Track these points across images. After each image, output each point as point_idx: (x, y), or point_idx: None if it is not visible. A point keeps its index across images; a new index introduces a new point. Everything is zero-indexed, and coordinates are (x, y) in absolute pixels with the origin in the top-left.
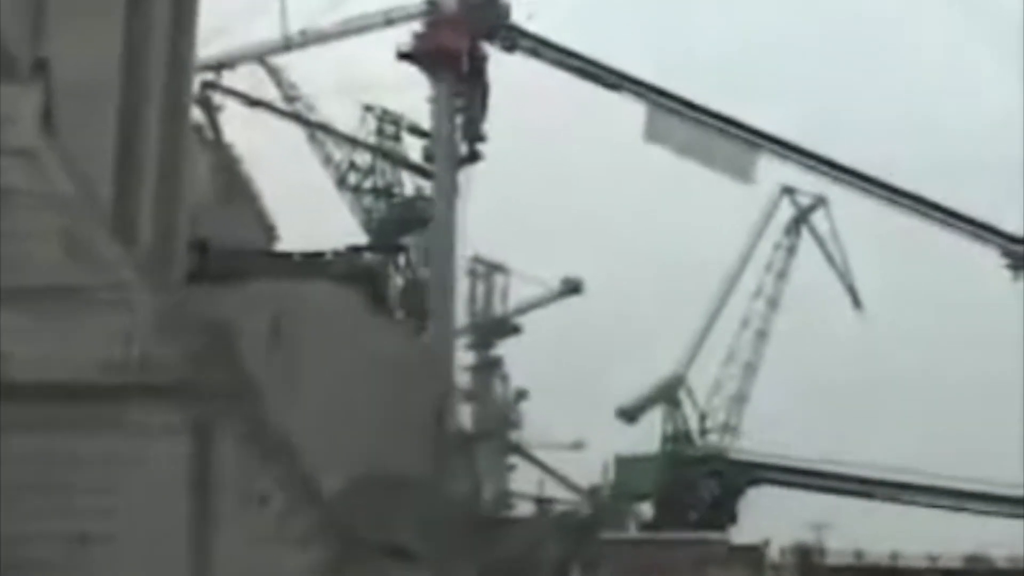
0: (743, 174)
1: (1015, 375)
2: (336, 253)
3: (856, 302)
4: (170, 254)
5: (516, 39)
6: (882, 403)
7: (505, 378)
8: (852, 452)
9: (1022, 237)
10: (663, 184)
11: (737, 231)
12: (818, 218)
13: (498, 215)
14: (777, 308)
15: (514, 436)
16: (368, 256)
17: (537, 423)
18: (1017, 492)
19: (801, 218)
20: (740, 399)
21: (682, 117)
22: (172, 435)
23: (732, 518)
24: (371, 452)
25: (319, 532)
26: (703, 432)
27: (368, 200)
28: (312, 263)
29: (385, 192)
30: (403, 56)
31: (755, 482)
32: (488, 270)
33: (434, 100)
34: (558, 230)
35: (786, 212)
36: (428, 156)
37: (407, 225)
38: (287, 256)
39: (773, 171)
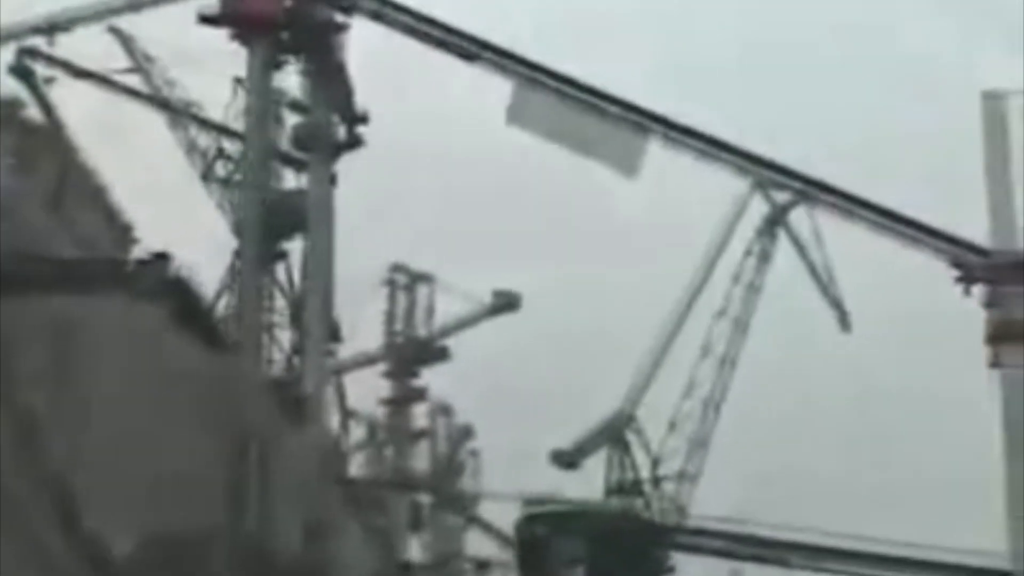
0: (629, 166)
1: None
2: (140, 261)
3: (843, 321)
4: None
5: None
6: (870, 445)
7: (447, 412)
8: (829, 510)
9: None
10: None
11: (699, 233)
12: (798, 218)
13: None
14: (746, 331)
15: (460, 486)
16: (180, 265)
17: (494, 469)
18: (969, 561)
19: (777, 218)
20: (700, 442)
21: (555, 95)
22: None
23: None
24: (174, 504)
25: None
26: (656, 481)
27: (239, 195)
28: (109, 273)
29: (259, 186)
30: (205, 20)
31: (658, 545)
32: (411, 281)
33: (248, 74)
34: (476, 235)
35: (758, 211)
36: (299, 141)
37: (285, 226)
38: (78, 264)
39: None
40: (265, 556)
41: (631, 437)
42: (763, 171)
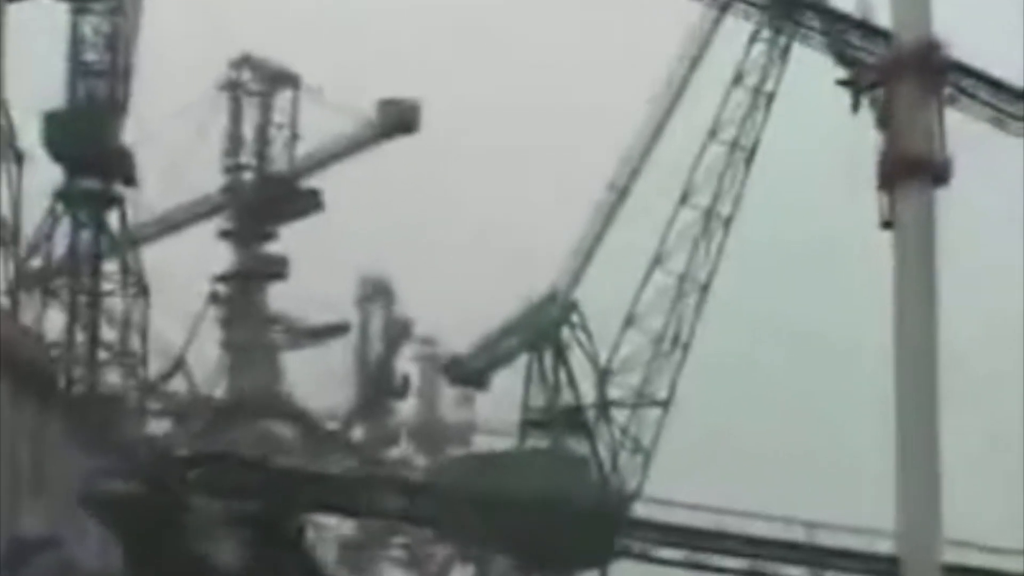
0: None
1: None
2: None
3: None
4: None
5: None
6: None
7: (386, 294)
8: None
9: None
10: None
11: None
12: None
13: None
14: (749, 163)
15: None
16: None
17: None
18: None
19: None
20: (675, 342)
21: None
22: None
23: None
24: None
25: None
26: (604, 406)
27: None
28: None
29: None
30: None
31: None
32: (267, 85)
33: None
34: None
35: None
36: None
37: None
38: None
39: None
40: None
41: (568, 337)
42: None
